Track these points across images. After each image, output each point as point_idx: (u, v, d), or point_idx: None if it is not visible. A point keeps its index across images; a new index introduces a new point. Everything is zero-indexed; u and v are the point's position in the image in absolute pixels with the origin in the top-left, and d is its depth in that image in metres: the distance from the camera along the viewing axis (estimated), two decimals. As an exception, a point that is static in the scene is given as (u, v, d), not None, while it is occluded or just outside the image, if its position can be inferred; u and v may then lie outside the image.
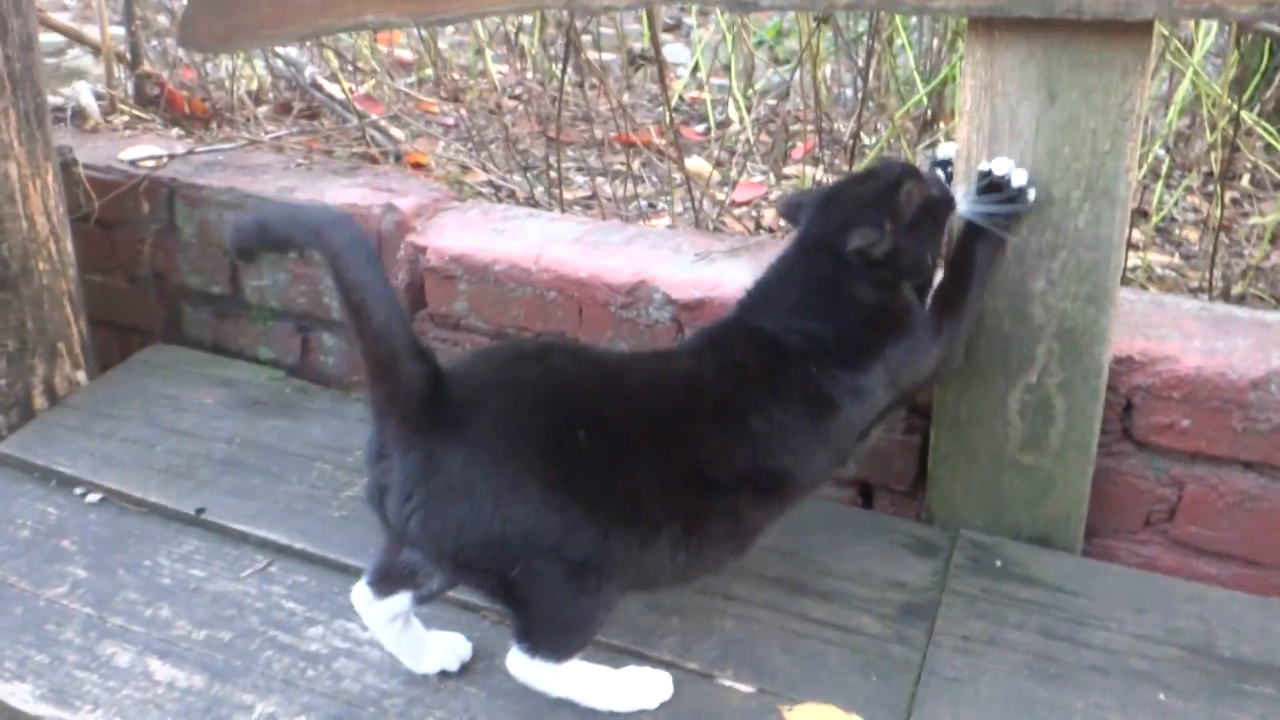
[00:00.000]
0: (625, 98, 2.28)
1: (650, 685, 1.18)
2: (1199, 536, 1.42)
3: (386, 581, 1.16)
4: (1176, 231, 2.19)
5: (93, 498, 1.57)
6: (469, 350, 1.74)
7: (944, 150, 1.38)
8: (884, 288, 1.21)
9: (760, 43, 2.95)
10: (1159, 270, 2.01)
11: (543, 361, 1.13)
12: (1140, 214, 2.20)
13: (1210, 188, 2.32)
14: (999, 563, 1.38)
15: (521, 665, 1.13)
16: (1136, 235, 2.13)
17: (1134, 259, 1.97)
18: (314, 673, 1.24)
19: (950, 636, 1.26)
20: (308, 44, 2.77)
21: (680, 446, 1.12)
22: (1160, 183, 2.17)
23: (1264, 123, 2.06)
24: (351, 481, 1.56)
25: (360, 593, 1.17)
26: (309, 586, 1.38)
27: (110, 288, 2.05)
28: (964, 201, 1.27)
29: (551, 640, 1.12)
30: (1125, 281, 1.86)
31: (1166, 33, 1.93)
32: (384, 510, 1.07)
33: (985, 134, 1.29)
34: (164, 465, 1.61)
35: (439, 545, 1.05)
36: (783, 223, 1.40)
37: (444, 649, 1.22)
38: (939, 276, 1.31)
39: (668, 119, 1.95)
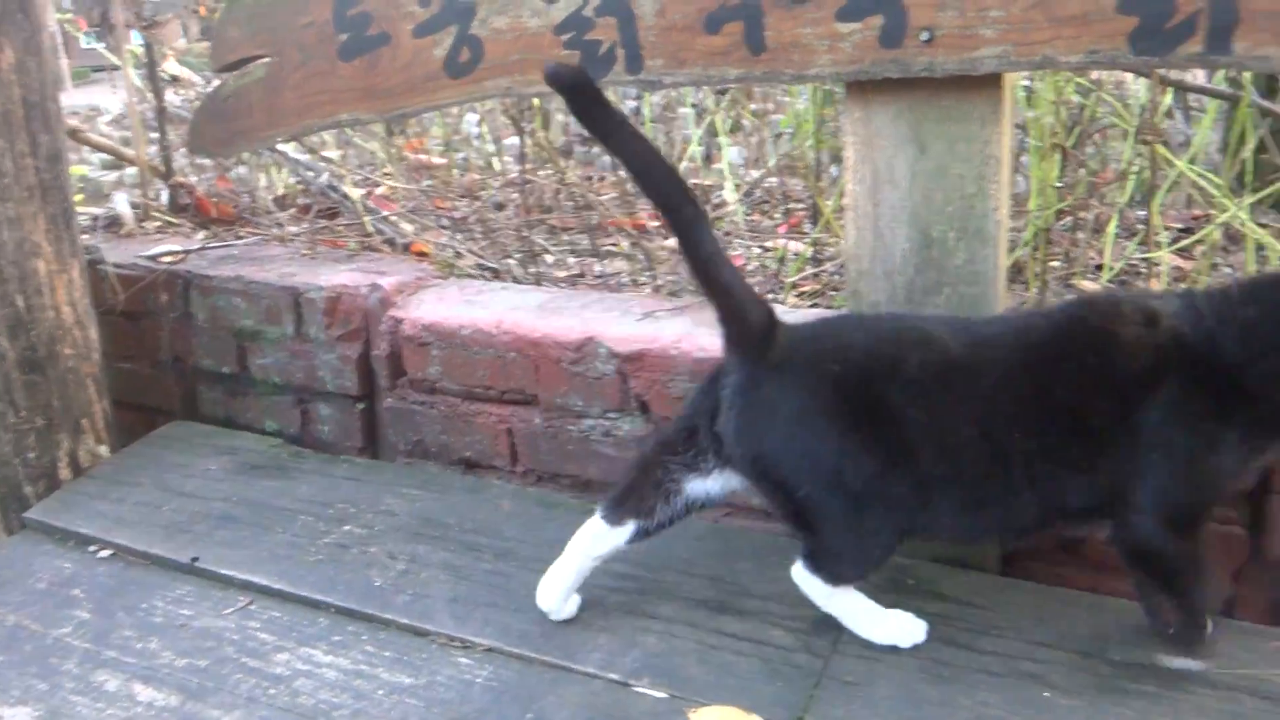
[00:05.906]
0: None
1: (906, 627, 1.34)
2: (1110, 555, 1.49)
3: (623, 506, 1.37)
4: (1139, 284, 2.28)
5: (104, 554, 1.75)
6: (444, 412, 1.90)
7: None
8: None
9: (778, 135, 3.17)
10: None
11: (866, 328, 1.34)
12: (1098, 267, 2.30)
13: (1191, 245, 2.40)
14: (912, 581, 1.47)
15: (802, 576, 1.34)
16: (1093, 287, 2.23)
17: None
18: (275, 691, 1.38)
19: (854, 646, 1.35)
20: (338, 152, 3.04)
21: (977, 414, 1.24)
22: (1108, 237, 2.27)
23: (1203, 172, 2.16)
24: (330, 530, 1.71)
25: (594, 522, 1.38)
26: (282, 620, 1.53)
27: (137, 373, 2.27)
28: None
29: (829, 564, 1.32)
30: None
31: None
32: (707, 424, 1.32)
33: (868, 185, 1.43)
34: (167, 522, 1.78)
35: (745, 448, 1.29)
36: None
37: (574, 603, 1.44)
38: None
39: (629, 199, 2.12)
